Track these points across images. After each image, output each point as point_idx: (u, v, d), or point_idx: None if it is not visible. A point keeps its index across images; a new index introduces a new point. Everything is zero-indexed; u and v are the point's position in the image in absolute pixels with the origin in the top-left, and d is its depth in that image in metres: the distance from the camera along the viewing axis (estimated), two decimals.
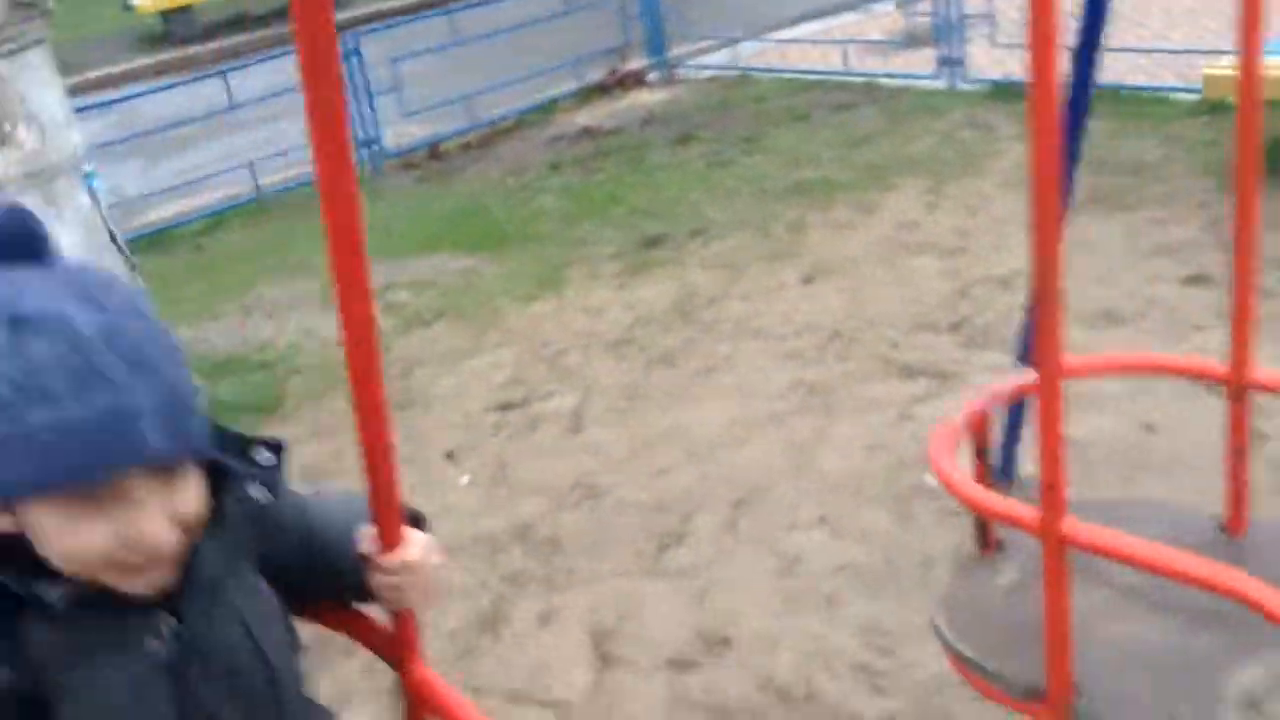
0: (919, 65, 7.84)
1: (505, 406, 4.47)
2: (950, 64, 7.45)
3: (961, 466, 2.37)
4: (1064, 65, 2.53)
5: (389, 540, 1.26)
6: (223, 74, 7.69)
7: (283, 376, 4.95)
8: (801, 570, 3.25)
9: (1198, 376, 3.09)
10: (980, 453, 2.52)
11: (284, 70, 5.85)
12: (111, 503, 1.02)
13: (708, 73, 8.94)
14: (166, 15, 13.54)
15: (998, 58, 7.47)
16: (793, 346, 4.57)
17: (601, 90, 8.66)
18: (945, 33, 7.47)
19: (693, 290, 5.17)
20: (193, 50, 13.12)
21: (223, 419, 1.24)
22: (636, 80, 8.80)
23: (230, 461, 1.13)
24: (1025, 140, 2.55)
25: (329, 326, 5.03)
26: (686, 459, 3.89)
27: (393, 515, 1.25)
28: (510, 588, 3.39)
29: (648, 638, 3.11)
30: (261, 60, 7.99)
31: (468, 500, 3.87)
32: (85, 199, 4.12)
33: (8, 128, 3.94)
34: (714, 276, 5.27)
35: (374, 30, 8.51)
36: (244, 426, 1.29)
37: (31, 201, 3.82)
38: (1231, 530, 2.56)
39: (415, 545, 1.27)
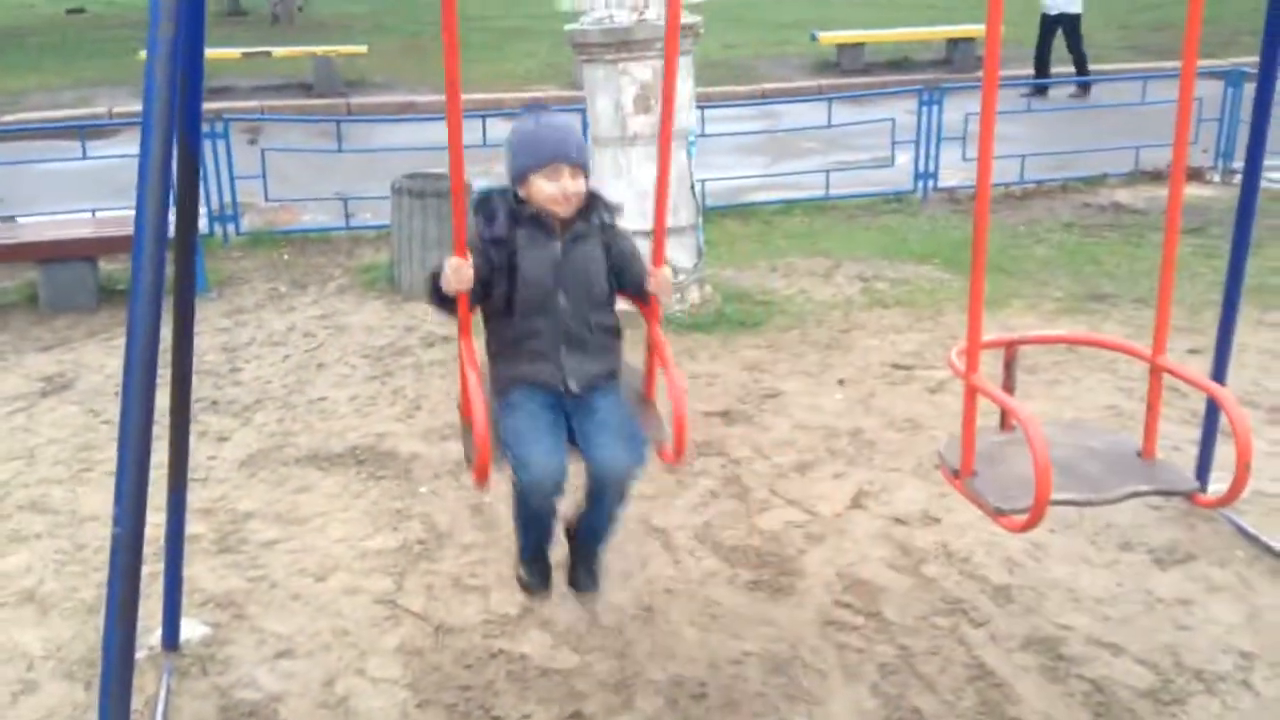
0: None
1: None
2: None
3: None
4: None
5: (658, 263, 2.97)
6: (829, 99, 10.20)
7: (772, 314, 6.81)
8: None
9: None
10: None
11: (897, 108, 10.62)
12: (558, 175, 2.87)
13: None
14: (841, 48, 17.25)
15: None
16: None
17: (1153, 176, 9.97)
18: None
19: None
20: (848, 80, 16.05)
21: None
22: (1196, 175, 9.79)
23: (599, 194, 3.00)
24: None
25: (821, 293, 7.19)
26: None
27: (660, 258, 2.97)
28: None
29: None
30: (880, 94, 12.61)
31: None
32: (684, 158, 6.72)
33: (651, 102, 6.52)
34: None
35: None
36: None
37: (647, 152, 6.54)
38: None
39: (666, 272, 2.97)
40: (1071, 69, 14.40)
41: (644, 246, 6.68)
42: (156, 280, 2.14)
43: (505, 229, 2.90)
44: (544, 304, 2.90)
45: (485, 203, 2.97)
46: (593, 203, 2.98)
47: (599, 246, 2.98)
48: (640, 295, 3.02)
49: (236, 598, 3.94)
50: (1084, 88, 14.14)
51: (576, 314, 2.93)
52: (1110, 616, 3.73)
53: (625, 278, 3.02)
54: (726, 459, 4.94)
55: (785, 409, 5.46)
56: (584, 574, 3.23)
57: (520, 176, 2.92)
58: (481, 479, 2.69)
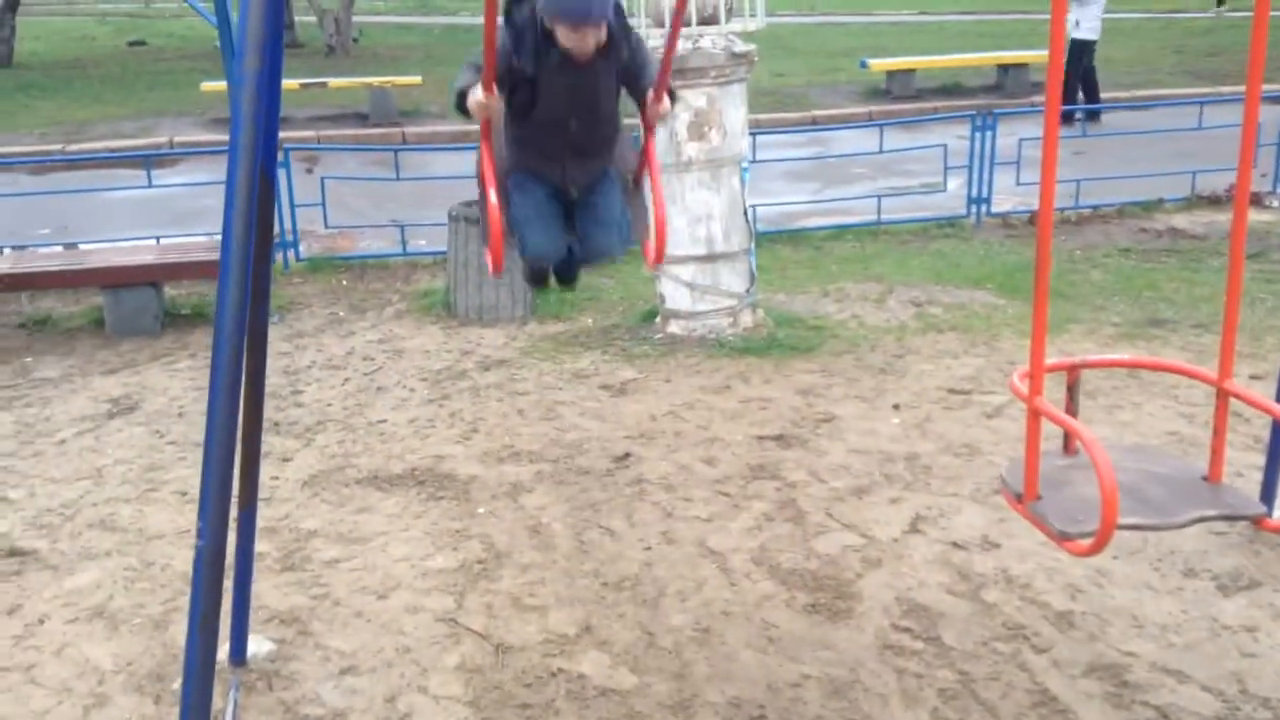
0: None
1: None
2: None
3: None
4: None
5: (660, 94, 3.17)
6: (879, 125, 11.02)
7: (824, 338, 6.84)
8: None
9: None
10: None
11: (948, 134, 10.64)
12: (580, 31, 3.00)
13: None
14: (891, 75, 16.87)
15: None
16: None
17: (1211, 201, 10.03)
18: None
19: None
20: (899, 106, 15.81)
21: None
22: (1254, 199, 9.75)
23: (620, 29, 3.13)
24: None
25: (874, 318, 7.19)
26: None
27: (665, 83, 3.15)
28: None
29: None
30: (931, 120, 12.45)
31: None
32: (736, 184, 6.75)
33: (706, 129, 6.56)
34: None
35: None
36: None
37: (700, 178, 6.67)
38: None
39: (666, 104, 3.21)
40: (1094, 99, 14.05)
41: (694, 270, 6.71)
42: (241, 300, 2.22)
43: (530, 53, 3.10)
44: (557, 122, 3.22)
45: (516, 18, 3.11)
46: (614, 40, 3.13)
47: (613, 76, 3.24)
48: (643, 108, 3.30)
49: (301, 615, 4.00)
50: (1073, 116, 13.19)
51: (584, 132, 3.27)
52: (1175, 643, 3.69)
53: (632, 86, 3.29)
54: (781, 482, 4.95)
55: (840, 433, 5.46)
56: (567, 277, 3.78)
57: (548, 14, 3.05)
58: (497, 272, 3.23)
